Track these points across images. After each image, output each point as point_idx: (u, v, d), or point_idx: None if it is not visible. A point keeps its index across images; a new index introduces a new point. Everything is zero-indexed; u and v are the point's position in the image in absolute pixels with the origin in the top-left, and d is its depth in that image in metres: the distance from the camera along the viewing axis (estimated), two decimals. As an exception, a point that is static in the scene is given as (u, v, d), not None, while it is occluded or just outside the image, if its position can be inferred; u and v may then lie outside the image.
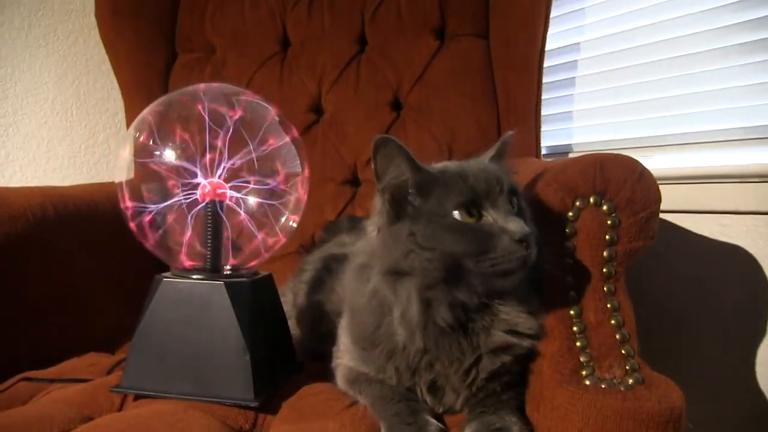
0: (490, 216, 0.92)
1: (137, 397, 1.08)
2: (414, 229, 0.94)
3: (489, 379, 0.97)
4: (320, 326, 1.25)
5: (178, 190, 1.13)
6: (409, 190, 0.96)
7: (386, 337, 1.00)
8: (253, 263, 1.21)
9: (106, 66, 2.08)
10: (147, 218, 1.15)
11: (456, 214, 0.92)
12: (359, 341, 1.06)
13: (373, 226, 1.02)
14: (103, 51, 2.02)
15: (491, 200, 0.93)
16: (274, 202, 1.18)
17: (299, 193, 1.20)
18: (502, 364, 0.97)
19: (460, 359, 0.96)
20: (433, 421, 0.95)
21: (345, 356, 1.12)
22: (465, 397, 0.99)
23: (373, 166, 0.95)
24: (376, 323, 1.01)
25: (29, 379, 1.21)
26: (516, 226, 0.89)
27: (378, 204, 1.00)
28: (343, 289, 1.15)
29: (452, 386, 0.99)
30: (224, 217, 1.14)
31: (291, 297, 1.42)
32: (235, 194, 1.14)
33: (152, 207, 1.14)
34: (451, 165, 1.02)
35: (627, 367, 0.88)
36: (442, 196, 0.94)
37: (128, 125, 2.02)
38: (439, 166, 1.02)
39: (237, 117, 1.14)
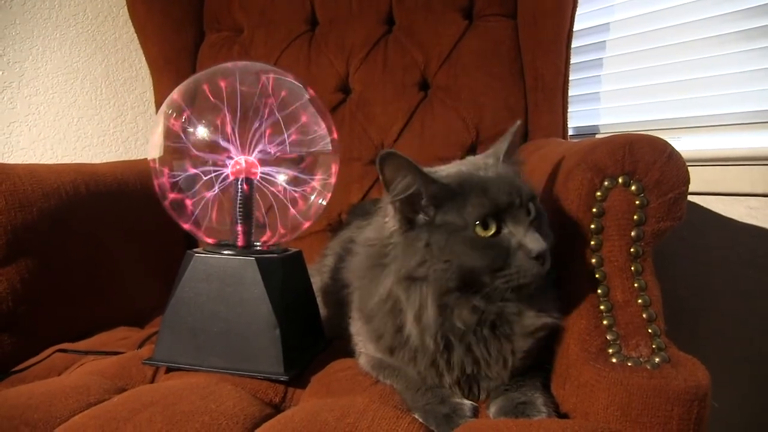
0: (509, 229, 0.92)
1: (169, 370, 1.11)
2: (431, 240, 0.93)
3: (523, 358, 0.98)
4: (344, 311, 1.26)
5: (209, 167, 1.15)
6: (422, 202, 0.95)
7: (406, 340, 0.99)
8: (282, 240, 1.23)
9: (135, 45, 2.11)
10: (179, 195, 1.17)
11: (475, 227, 0.92)
12: (378, 348, 1.06)
13: (384, 219, 1.02)
14: (132, 30, 2.04)
15: (511, 213, 0.92)
16: (303, 176, 1.19)
17: (329, 172, 1.22)
18: (537, 340, 0.98)
19: (498, 348, 0.96)
20: (466, 401, 0.97)
21: (365, 349, 1.12)
22: (498, 384, 0.99)
23: (381, 178, 0.94)
24: (395, 328, 1.00)
25: (64, 351, 1.24)
26: (533, 242, 0.90)
27: (390, 211, 0.99)
28: (351, 275, 1.13)
29: (489, 376, 0.98)
30: (256, 193, 1.16)
31: (318, 279, 1.43)
32: (267, 169, 1.16)
33: (184, 183, 1.16)
34: (465, 172, 0.99)
35: (653, 346, 0.88)
36: (460, 208, 0.93)
37: (157, 104, 2.04)
38: (452, 171, 1.00)
39: (266, 95, 1.15)
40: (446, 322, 0.94)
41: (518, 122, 1.07)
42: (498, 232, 0.92)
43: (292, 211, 1.19)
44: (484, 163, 1.03)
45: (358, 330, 1.14)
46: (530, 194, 0.95)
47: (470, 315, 0.93)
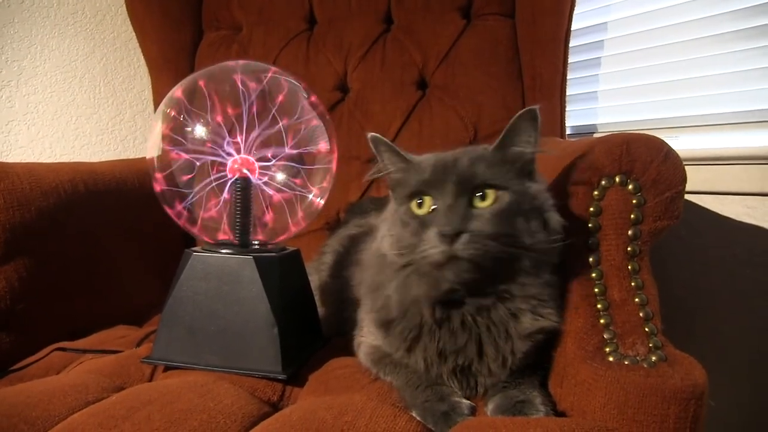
0: (436, 207, 0.94)
1: (167, 368, 1.11)
2: (386, 215, 1.03)
3: (522, 359, 0.98)
4: (342, 309, 1.27)
5: (208, 162, 1.15)
6: (395, 180, 1.02)
7: (408, 317, 1.00)
8: (280, 239, 1.23)
9: (133, 44, 2.10)
10: (177, 194, 1.17)
11: (410, 203, 0.96)
12: (377, 320, 1.05)
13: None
14: (130, 29, 2.04)
15: (440, 191, 0.93)
16: (301, 170, 1.20)
17: (327, 170, 1.22)
18: (535, 342, 0.97)
19: (495, 345, 0.97)
20: (464, 400, 0.97)
21: (369, 336, 1.12)
22: (496, 381, 0.99)
23: (378, 158, 1.03)
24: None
25: (63, 349, 1.24)
26: (440, 221, 0.90)
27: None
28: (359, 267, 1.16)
29: (481, 371, 0.99)
30: (254, 191, 1.16)
31: (316, 277, 1.43)
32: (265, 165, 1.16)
33: (182, 183, 1.16)
34: (432, 154, 1.03)
35: (650, 345, 0.88)
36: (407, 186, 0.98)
37: (155, 103, 2.04)
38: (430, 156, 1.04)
39: (266, 94, 1.15)
40: (408, 296, 0.98)
41: (528, 108, 0.98)
42: (432, 209, 0.95)
43: (290, 209, 1.19)
44: (465, 149, 1.03)
45: (364, 307, 1.13)
46: (468, 175, 0.93)
47: (426, 289, 0.95)
